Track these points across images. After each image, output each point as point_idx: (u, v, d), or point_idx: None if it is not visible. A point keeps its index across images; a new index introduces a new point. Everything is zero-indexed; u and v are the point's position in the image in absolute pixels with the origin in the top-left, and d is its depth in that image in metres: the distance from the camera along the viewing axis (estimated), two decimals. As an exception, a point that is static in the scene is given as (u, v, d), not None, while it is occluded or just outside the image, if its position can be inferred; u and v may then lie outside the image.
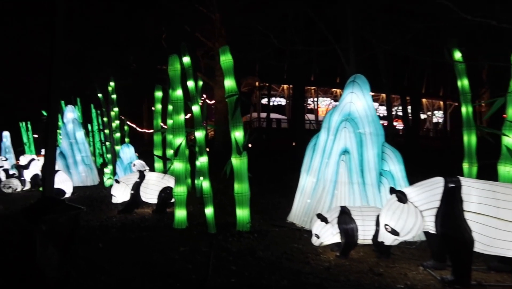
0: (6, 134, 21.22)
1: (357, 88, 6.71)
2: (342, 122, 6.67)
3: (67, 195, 11.45)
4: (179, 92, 6.94)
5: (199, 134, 6.77)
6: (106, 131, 13.79)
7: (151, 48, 21.39)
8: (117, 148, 12.85)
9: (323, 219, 5.33)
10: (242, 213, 6.61)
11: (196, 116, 6.82)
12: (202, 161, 6.69)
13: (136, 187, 8.63)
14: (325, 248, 5.63)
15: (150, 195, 8.56)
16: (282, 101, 38.58)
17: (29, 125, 23.11)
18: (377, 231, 5.16)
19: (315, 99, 38.05)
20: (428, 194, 4.37)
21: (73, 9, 14.68)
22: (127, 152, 11.31)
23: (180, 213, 7.05)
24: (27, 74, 25.93)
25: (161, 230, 6.96)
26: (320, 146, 7.03)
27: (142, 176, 8.72)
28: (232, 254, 5.47)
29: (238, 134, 6.44)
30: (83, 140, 13.88)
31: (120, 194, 8.70)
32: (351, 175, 6.39)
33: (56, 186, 11.42)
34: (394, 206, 4.48)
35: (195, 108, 6.78)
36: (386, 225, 4.54)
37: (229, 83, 6.52)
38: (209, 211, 6.65)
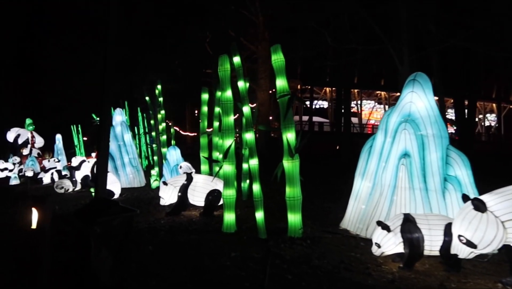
0: (58, 137, 22.10)
1: (418, 87, 6.23)
2: (401, 124, 6.22)
3: (116, 196, 11.62)
4: (228, 93, 6.76)
5: (250, 136, 6.54)
6: (153, 134, 13.93)
7: (195, 52, 21.57)
8: (164, 150, 12.92)
9: (385, 227, 4.93)
10: (294, 218, 6.31)
11: (247, 118, 6.60)
12: (253, 163, 6.46)
13: (184, 189, 8.55)
14: (385, 258, 5.22)
15: (197, 197, 8.45)
16: (325, 104, 37.91)
17: (79, 128, 23.94)
18: (446, 242, 4.70)
19: (359, 102, 37.06)
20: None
21: (120, 14, 15.06)
22: (173, 154, 11.31)
23: (229, 217, 6.85)
24: (77, 79, 26.96)
25: (210, 234, 6.79)
26: (377, 149, 6.61)
27: (189, 178, 8.63)
28: (286, 261, 5.18)
29: (290, 136, 6.16)
30: (131, 142, 14.10)
31: (168, 196, 8.64)
32: (412, 180, 5.92)
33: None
34: (470, 215, 4.02)
35: (246, 110, 6.57)
36: (460, 236, 4.09)
37: (281, 83, 6.26)
38: (259, 215, 6.40)
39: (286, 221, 6.56)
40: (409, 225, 4.86)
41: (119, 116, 14.28)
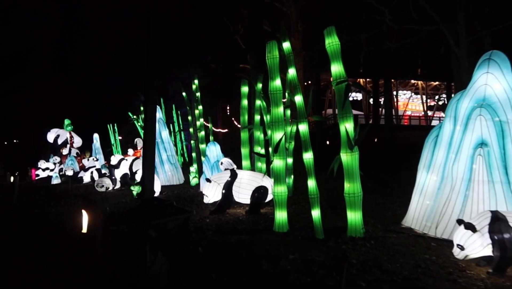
0: (96, 136, 22.29)
1: (494, 67, 5.49)
2: (474, 110, 5.51)
3: (156, 194, 11.36)
4: (277, 82, 6.24)
5: (303, 127, 6.00)
6: (190, 130, 13.61)
7: (227, 47, 21.13)
8: (202, 146, 12.58)
9: (469, 227, 4.28)
10: (354, 217, 5.73)
11: (299, 108, 6.06)
12: (307, 157, 5.92)
13: (228, 186, 8.11)
14: (468, 262, 4.57)
15: (243, 194, 7.99)
16: (359, 96, 36.75)
17: (115, 127, 24.08)
18: (545, 244, 4.01)
19: (394, 92, 35.73)
20: None
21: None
22: (213, 150, 10.93)
23: (281, 215, 6.35)
24: (113, 79, 27.17)
25: (261, 234, 6.32)
26: (445, 139, 5.92)
27: (234, 174, 8.18)
28: (354, 265, 4.62)
29: (349, 127, 5.58)
30: (168, 139, 13.86)
31: (212, 194, 8.24)
32: (491, 172, 5.22)
33: (145, 185, 11.40)
34: None
35: (298, 99, 6.03)
36: None
37: (337, 68, 5.67)
38: (316, 213, 5.86)
39: (343, 219, 6.00)
40: (499, 224, 4.19)
41: (156, 114, 14.02)
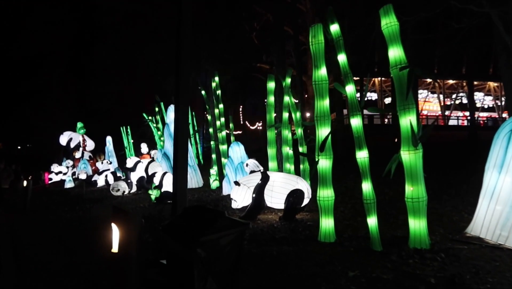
0: (109, 139, 21.68)
1: None
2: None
3: (176, 198, 10.59)
4: (323, 71, 5.41)
5: (356, 122, 5.16)
6: (210, 130, 12.81)
7: (244, 45, 20.32)
8: (223, 147, 11.80)
9: None
10: (418, 225, 4.86)
11: (351, 99, 5.22)
12: (362, 156, 5.07)
13: (259, 190, 7.29)
14: None
15: (276, 199, 7.17)
16: (373, 96, 35.73)
17: (128, 130, 23.41)
18: None
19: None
20: None
21: (170, 7, 14.15)
22: (237, 151, 10.12)
23: (327, 223, 5.50)
24: (125, 82, 26.60)
25: (304, 244, 5.47)
26: (522, 133, 5.04)
27: (265, 176, 7.36)
28: (432, 286, 3.77)
29: (412, 120, 4.72)
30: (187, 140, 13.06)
31: (241, 198, 7.43)
32: None
33: (164, 188, 10.63)
34: None
35: (350, 89, 5.19)
36: None
37: (396, 52, 4.83)
38: (372, 221, 5.00)
39: (399, 228, 5.15)
40: None
41: (173, 114, 13.27)
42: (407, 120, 4.75)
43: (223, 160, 12.39)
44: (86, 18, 30.00)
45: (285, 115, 9.13)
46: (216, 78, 11.50)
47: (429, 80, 35.77)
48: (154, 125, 16.87)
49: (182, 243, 2.81)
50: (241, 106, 33.82)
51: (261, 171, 9.28)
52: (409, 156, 4.79)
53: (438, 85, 34.74)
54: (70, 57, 31.92)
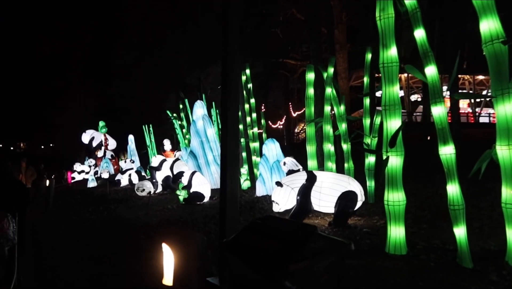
0: (131, 137, 21.21)
1: None
2: None
3: (206, 200, 9.84)
4: (393, 51, 4.52)
5: (439, 110, 4.24)
6: (240, 126, 12.00)
7: (268, 39, 19.44)
8: (254, 144, 11.00)
9: None
10: (520, 237, 3.93)
11: (433, 83, 4.30)
12: (446, 152, 4.15)
13: (305, 192, 6.43)
14: None
15: (325, 202, 6.29)
16: (400, 93, 34.25)
17: (151, 128, 22.84)
18: None
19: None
20: None
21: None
22: (272, 148, 9.30)
23: (397, 232, 4.61)
24: (147, 79, 26.11)
25: (370, 257, 4.59)
26: None
27: (312, 177, 6.50)
28: None
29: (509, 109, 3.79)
30: (215, 138, 12.32)
31: (284, 201, 6.58)
32: None
33: (194, 189, 9.88)
34: None
35: (431, 70, 4.27)
36: None
37: (491, 24, 3.90)
38: (461, 231, 4.10)
39: (492, 238, 4.22)
40: None
41: (200, 110, 12.56)
42: (505, 108, 3.82)
43: (254, 158, 11.59)
44: (105, 16, 29.69)
45: (327, 109, 8.25)
46: (247, 71, 10.68)
47: (459, 76, 34.17)
48: (179, 122, 16.16)
49: (261, 271, 1.99)
50: (262, 105, 32.96)
51: (300, 170, 8.45)
52: (509, 152, 3.86)
53: (468, 81, 33.16)
54: (90, 55, 31.68)
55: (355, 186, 6.31)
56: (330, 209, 6.31)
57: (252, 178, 11.56)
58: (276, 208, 6.74)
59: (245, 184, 10.93)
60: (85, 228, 8.25)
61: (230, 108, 3.73)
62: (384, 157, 4.59)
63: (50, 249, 6.56)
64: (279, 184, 6.66)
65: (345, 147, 8.17)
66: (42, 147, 58.68)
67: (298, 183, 6.56)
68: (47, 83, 33.79)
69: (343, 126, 8.12)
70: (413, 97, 34.89)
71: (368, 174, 7.76)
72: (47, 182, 12.65)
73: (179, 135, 18.50)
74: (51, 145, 56.03)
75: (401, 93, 34.60)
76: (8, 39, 34.34)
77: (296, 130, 35.42)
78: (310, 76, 8.54)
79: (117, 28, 27.59)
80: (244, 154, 11.81)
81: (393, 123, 4.52)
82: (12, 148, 62.20)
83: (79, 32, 30.51)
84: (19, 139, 60.59)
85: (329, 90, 8.15)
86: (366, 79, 8.12)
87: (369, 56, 8.05)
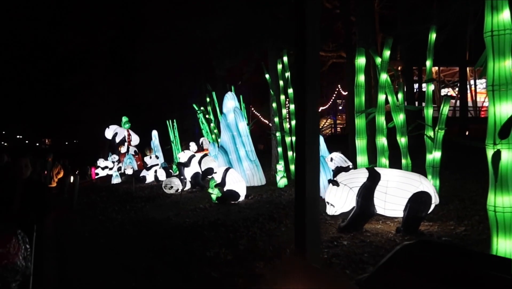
0: (154, 133, 20.60)
1: None
2: None
3: (241, 198, 8.96)
4: (505, 15, 3.50)
5: None
6: (276, 119, 11.06)
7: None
8: (293, 139, 10.05)
9: None
10: None
11: None
12: None
13: (366, 192, 5.46)
14: None
15: (391, 204, 5.31)
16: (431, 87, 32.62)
17: (175, 123, 22.14)
18: None
19: (471, 81, 31.46)
20: None
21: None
22: (316, 143, 8.35)
23: (507, 246, 3.60)
24: (171, 73, 25.45)
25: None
26: None
27: (374, 175, 5.52)
28: None
29: None
30: (247, 132, 11.41)
31: (341, 202, 5.63)
32: None
33: (228, 187, 9.02)
34: None
35: None
36: None
37: None
38: None
39: None
40: None
41: (231, 102, 11.67)
42: None
43: (291, 154, 10.65)
44: (127, 10, 29.16)
45: (381, 98, 7.23)
46: (285, 59, 9.71)
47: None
48: (207, 116, 15.32)
49: None
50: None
51: (350, 166, 7.46)
52: None
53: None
54: (113, 50, 31.23)
55: (428, 186, 5.30)
56: (398, 212, 5.33)
57: (289, 175, 10.62)
58: (330, 211, 5.80)
59: (281, 181, 10.01)
60: (113, 230, 7.49)
61: (310, 85, 2.82)
62: (492, 152, 3.58)
63: (76, 256, 5.79)
64: (335, 182, 5.71)
65: (403, 140, 7.13)
66: (66, 143, 59.12)
67: (357, 181, 5.60)
68: (71, 79, 33.60)
69: (400, 118, 7.09)
70: (443, 91, 33.24)
71: (432, 172, 6.71)
72: (72, 178, 12.03)
73: (204, 130, 17.72)
74: (74, 141, 56.36)
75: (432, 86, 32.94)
76: (32, 36, 34.25)
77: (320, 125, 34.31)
78: (361, 61, 7.52)
79: (140, 22, 26.99)
80: (279, 149, 10.87)
81: (505, 108, 3.51)
82: (37, 144, 63.00)
83: (101, 27, 30.08)
84: (44, 135, 61.23)
85: (384, 77, 7.12)
86: (429, 63, 7.06)
87: (433, 36, 6.99)
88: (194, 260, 4.90)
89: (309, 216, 2.77)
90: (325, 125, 35.52)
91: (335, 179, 5.83)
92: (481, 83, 33.72)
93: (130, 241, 6.31)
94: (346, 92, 33.32)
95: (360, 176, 5.64)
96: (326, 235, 5.57)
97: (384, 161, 7.35)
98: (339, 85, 31.52)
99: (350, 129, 19.29)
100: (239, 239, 5.64)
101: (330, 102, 33.38)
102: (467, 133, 20.38)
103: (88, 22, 30.01)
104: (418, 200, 5.16)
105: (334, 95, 33.09)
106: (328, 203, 5.79)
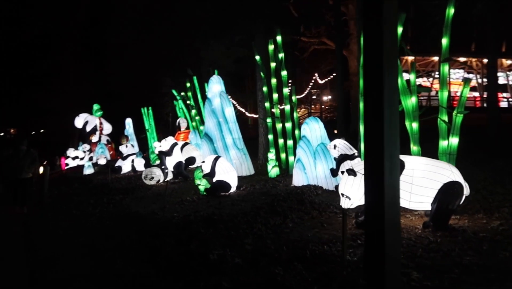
0: (128, 121, 19.50)
1: None
2: None
3: (232, 190, 8.12)
4: None
5: None
6: (266, 104, 10.22)
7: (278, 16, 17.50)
8: (287, 125, 9.26)
9: None
10: None
11: None
12: None
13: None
14: None
15: (418, 196, 4.64)
16: (405, 76, 32.61)
17: (150, 111, 20.93)
18: None
19: (509, 73, 31.65)
20: None
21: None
22: (316, 129, 7.59)
23: None
24: (145, 62, 24.15)
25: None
26: None
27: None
28: None
29: None
30: (234, 118, 10.52)
31: (359, 194, 4.91)
32: None
33: (218, 177, 8.16)
34: None
35: None
36: None
37: None
38: None
39: None
40: None
41: (216, 86, 10.73)
42: None
43: (281, 141, 9.88)
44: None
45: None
46: (278, 38, 8.86)
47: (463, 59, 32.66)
48: (188, 102, 14.28)
49: None
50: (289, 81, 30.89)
51: (355, 154, 6.79)
52: None
53: (476, 64, 31.67)
54: (83, 35, 29.35)
55: (459, 175, 4.66)
56: (425, 205, 4.67)
57: (280, 164, 9.87)
58: (346, 204, 5.06)
59: (273, 171, 9.24)
60: (91, 227, 6.51)
61: (389, 61, 2.02)
62: None
63: (51, 259, 4.81)
64: (352, 172, 4.96)
65: (414, 125, 6.50)
66: (33, 132, 55.99)
67: (377, 171, 4.87)
68: (37, 65, 31.48)
69: (412, 100, 6.45)
70: (418, 81, 33.30)
71: (448, 159, 6.10)
72: (41, 169, 10.79)
73: (181, 116, 16.69)
74: (41, 130, 53.40)
75: (406, 76, 32.98)
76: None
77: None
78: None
79: (113, 2, 25.37)
80: (270, 136, 10.07)
81: None
82: (1, 134, 59.29)
83: (70, 9, 28.12)
84: (9, 125, 57.70)
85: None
86: (445, 41, 6.41)
87: (451, 11, 6.32)
88: (195, 265, 4.05)
89: (389, 238, 2.00)
90: (299, 115, 35.16)
91: (350, 168, 5.09)
92: (453, 74, 34.04)
93: (113, 241, 5.36)
94: (323, 81, 32.88)
95: (380, 164, 4.92)
96: (338, 230, 4.85)
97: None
98: (316, 74, 30.96)
99: (340, 115, 18.81)
100: (243, 238, 4.82)
101: (307, 91, 32.80)
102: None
103: (55, 3, 27.97)
104: (450, 191, 4.50)
105: (311, 84, 32.51)
106: (343, 195, 5.05)
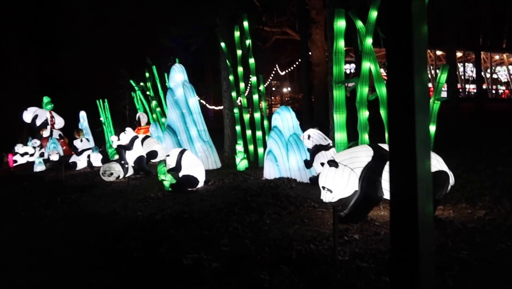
0: (82, 114, 18.33)
1: None
2: None
3: (200, 185, 7.58)
4: None
5: None
6: (233, 94, 9.68)
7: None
8: (256, 115, 8.81)
9: None
10: None
11: None
12: None
13: (371, 174, 4.46)
14: None
15: (403, 187, 4.36)
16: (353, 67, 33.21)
17: (106, 104, 19.74)
18: None
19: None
20: None
21: None
22: (288, 118, 7.19)
23: None
24: (100, 52, 22.77)
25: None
26: None
27: (381, 153, 4.52)
28: None
29: None
30: (198, 109, 9.92)
31: (341, 187, 4.57)
32: None
33: (184, 172, 7.58)
34: None
35: None
36: None
37: None
38: None
39: None
40: None
41: (179, 75, 10.05)
42: None
43: (248, 133, 9.43)
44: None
45: (366, 66, 6.27)
46: (245, 24, 8.35)
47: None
48: (148, 93, 13.45)
49: None
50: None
51: (330, 144, 6.49)
52: None
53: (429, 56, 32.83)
54: (32, 22, 27.20)
55: (444, 164, 4.44)
56: (410, 196, 4.41)
57: (249, 156, 9.43)
58: (327, 197, 4.70)
59: (242, 163, 8.79)
60: (43, 230, 5.75)
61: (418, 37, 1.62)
62: None
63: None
64: (333, 163, 4.61)
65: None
66: (-24, 128, 51.90)
67: (360, 161, 4.57)
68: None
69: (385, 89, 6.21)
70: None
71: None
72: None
73: (139, 110, 15.83)
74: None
75: (351, 66, 33.59)
76: None
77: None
78: (340, 24, 6.47)
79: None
80: (238, 127, 9.59)
81: None
82: None
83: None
84: None
85: (369, 41, 6.15)
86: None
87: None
88: (168, 273, 3.53)
89: (423, 248, 1.62)
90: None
91: (331, 159, 4.74)
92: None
93: (69, 246, 4.69)
94: (283, 72, 32.72)
95: (362, 155, 4.61)
96: (326, 226, 4.52)
97: (366, 137, 6.47)
98: (276, 65, 30.73)
99: (305, 105, 18.63)
100: (218, 238, 4.34)
101: (267, 82, 32.51)
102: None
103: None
104: (436, 181, 4.26)
105: (272, 75, 32.26)
106: (324, 188, 4.69)
